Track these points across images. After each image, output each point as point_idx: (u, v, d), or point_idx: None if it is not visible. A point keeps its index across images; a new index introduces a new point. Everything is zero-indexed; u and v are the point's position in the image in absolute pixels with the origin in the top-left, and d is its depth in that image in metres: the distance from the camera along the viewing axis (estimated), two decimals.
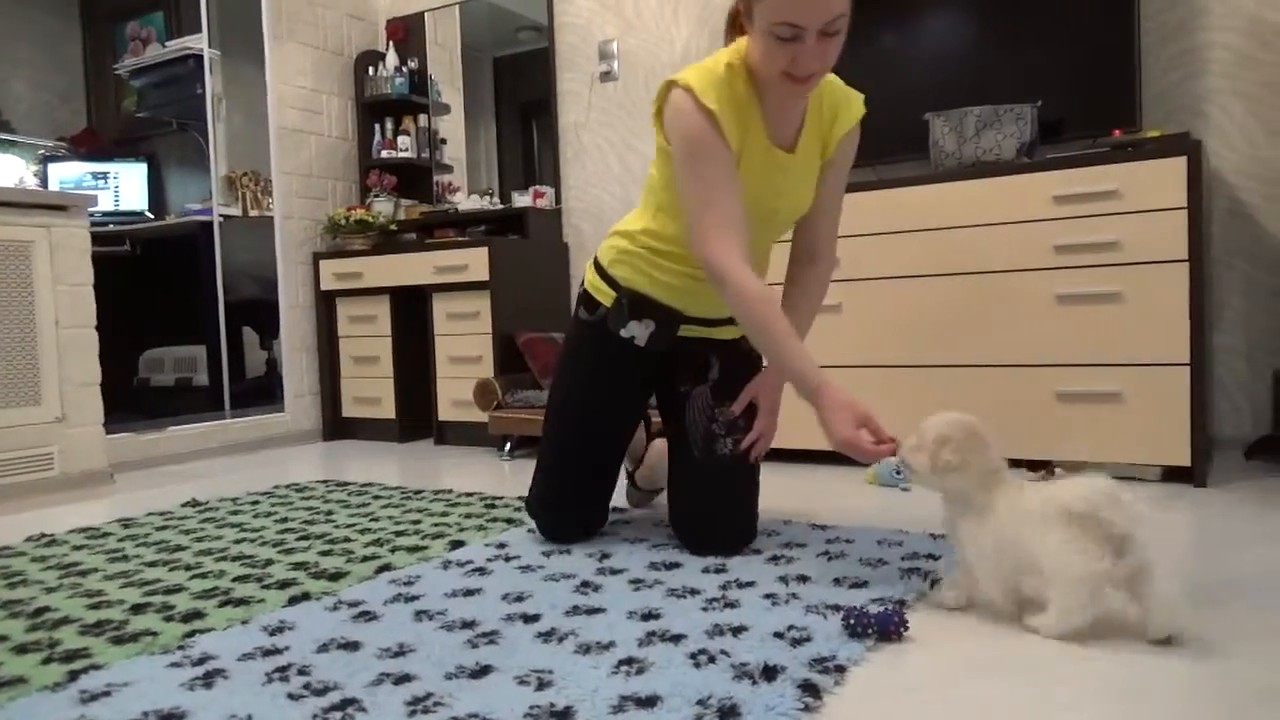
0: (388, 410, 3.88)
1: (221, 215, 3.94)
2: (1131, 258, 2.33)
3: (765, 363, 1.90)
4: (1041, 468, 2.21)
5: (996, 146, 2.61)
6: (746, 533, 1.84)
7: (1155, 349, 2.31)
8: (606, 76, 3.79)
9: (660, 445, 2.17)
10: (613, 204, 3.82)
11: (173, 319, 4.26)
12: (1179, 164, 2.25)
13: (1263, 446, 2.56)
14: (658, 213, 1.80)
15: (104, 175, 4.39)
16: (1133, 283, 2.33)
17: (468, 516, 2.23)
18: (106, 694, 1.19)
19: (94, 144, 4.55)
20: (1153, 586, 1.21)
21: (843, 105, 1.75)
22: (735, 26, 1.72)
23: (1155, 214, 2.29)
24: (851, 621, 1.31)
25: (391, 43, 4.29)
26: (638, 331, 1.83)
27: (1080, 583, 1.24)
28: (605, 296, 1.86)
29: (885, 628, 1.30)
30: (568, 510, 1.94)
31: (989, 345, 2.53)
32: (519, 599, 1.54)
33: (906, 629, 1.31)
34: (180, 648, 1.36)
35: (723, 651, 1.25)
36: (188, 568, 1.84)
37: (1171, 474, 2.36)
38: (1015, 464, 2.32)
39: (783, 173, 1.71)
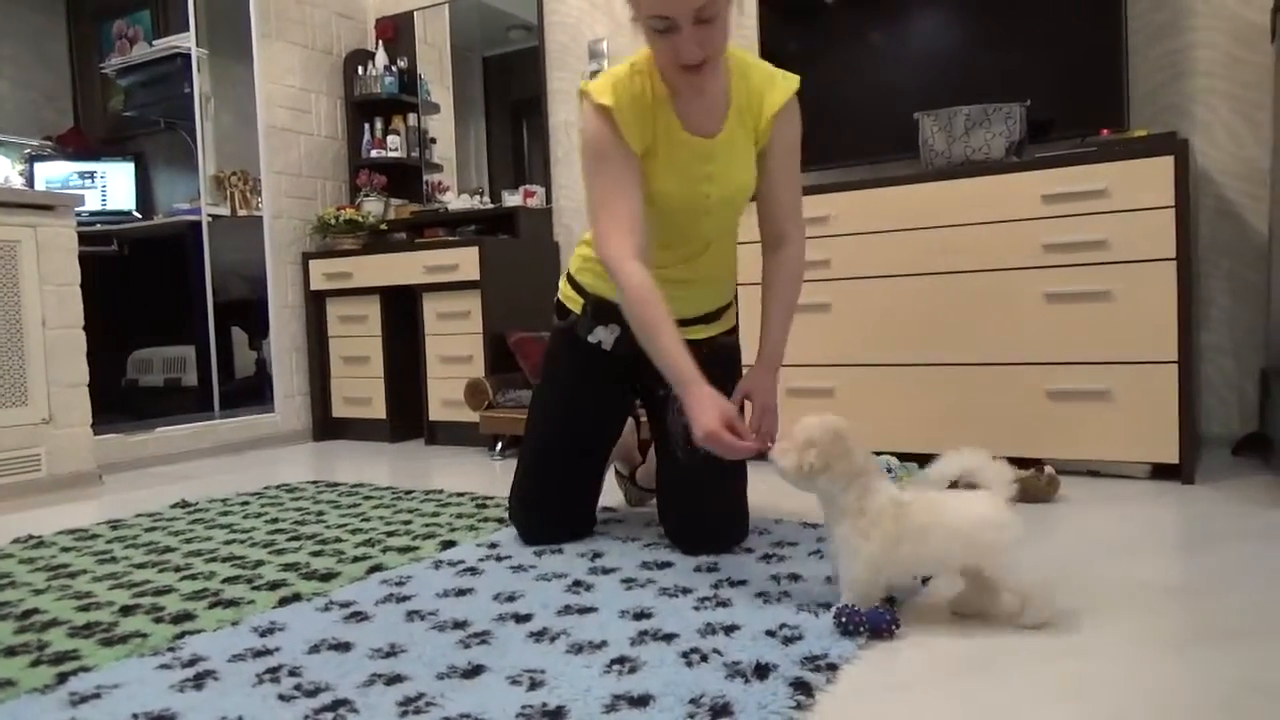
0: (378, 410, 3.87)
1: (210, 215, 3.92)
2: (1119, 256, 2.34)
3: (764, 357, 1.89)
4: (1031, 466, 2.22)
5: (986, 146, 2.62)
6: (737, 531, 1.85)
7: (1143, 347, 2.32)
8: (596, 75, 3.79)
9: None
10: None
11: (161, 319, 4.24)
12: (1166, 163, 2.27)
13: (1249, 443, 2.58)
14: None
15: (91, 175, 4.37)
16: (1121, 281, 2.34)
17: (459, 516, 2.22)
18: (96, 696, 1.18)
19: (80, 143, 4.52)
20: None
21: (769, 87, 1.74)
22: None
23: (1143, 213, 2.30)
24: (843, 620, 1.31)
25: (380, 42, 4.28)
26: (603, 336, 1.87)
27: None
28: (574, 303, 1.91)
29: (877, 626, 1.30)
30: (548, 510, 1.94)
31: (979, 344, 2.54)
32: (511, 599, 1.54)
33: (898, 627, 1.31)
34: (170, 649, 1.35)
35: (715, 650, 1.25)
36: (177, 569, 1.83)
37: (1160, 471, 2.37)
38: (1015, 462, 2.34)
39: (706, 159, 1.71)
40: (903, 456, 2.54)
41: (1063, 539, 1.85)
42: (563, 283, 1.98)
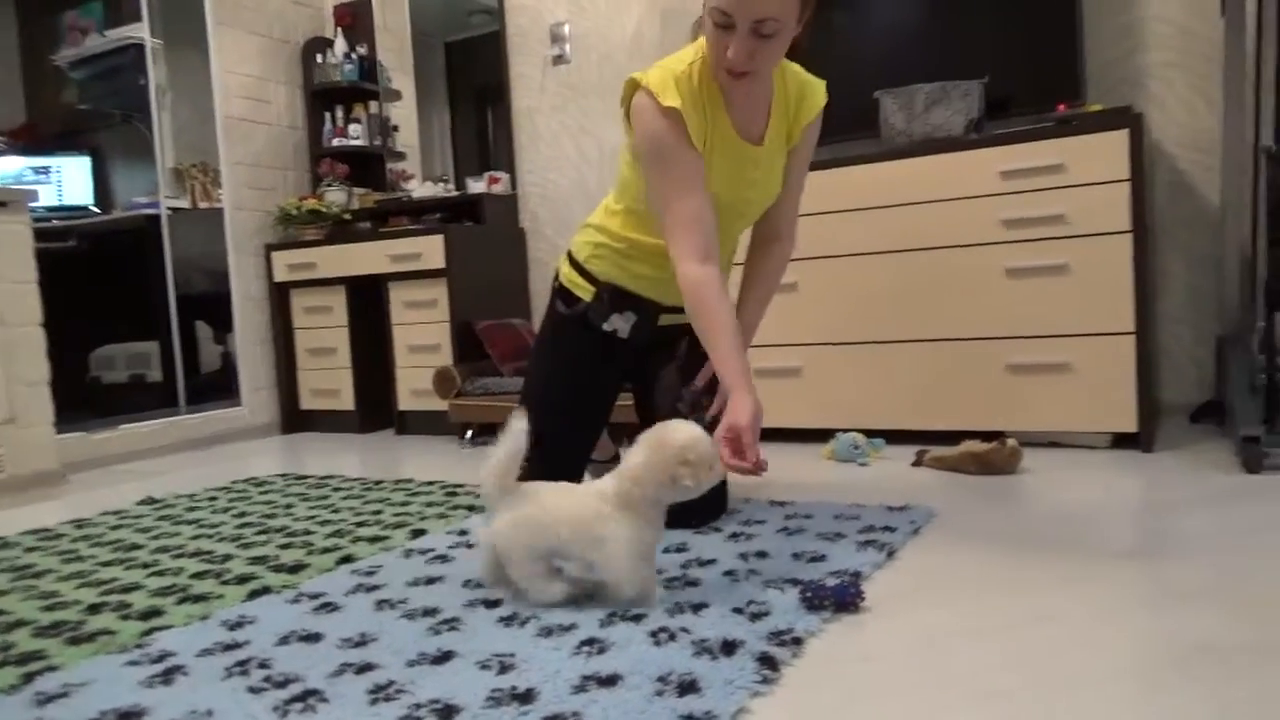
0: (346, 401, 3.85)
1: (170, 208, 3.87)
2: (1077, 230, 2.37)
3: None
4: (994, 439, 2.25)
5: (945, 123, 2.64)
6: (718, 502, 1.87)
7: (1102, 319, 2.36)
8: (559, 60, 3.77)
9: None
10: (569, 188, 3.80)
11: (123, 315, 4.18)
12: (1121, 137, 2.30)
13: (1206, 410, 2.64)
14: (629, 213, 1.82)
15: (45, 169, 4.28)
16: (1079, 254, 2.38)
17: (429, 505, 2.22)
18: (64, 695, 1.18)
19: (34, 137, 4.43)
20: None
21: (807, 94, 1.78)
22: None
23: (1099, 186, 2.34)
24: (809, 595, 1.33)
25: (339, 29, 4.23)
26: (620, 324, 1.87)
27: None
28: (584, 291, 1.89)
29: (842, 599, 1.32)
30: None
31: (942, 320, 2.57)
32: (480, 585, 1.54)
33: (863, 600, 1.33)
34: (138, 646, 1.35)
35: (683, 629, 1.27)
36: (145, 566, 1.82)
37: (1120, 440, 2.41)
38: (969, 435, 2.37)
39: (753, 165, 1.73)
40: (869, 433, 2.57)
41: (1025, 510, 1.88)
42: (567, 270, 1.94)
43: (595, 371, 1.93)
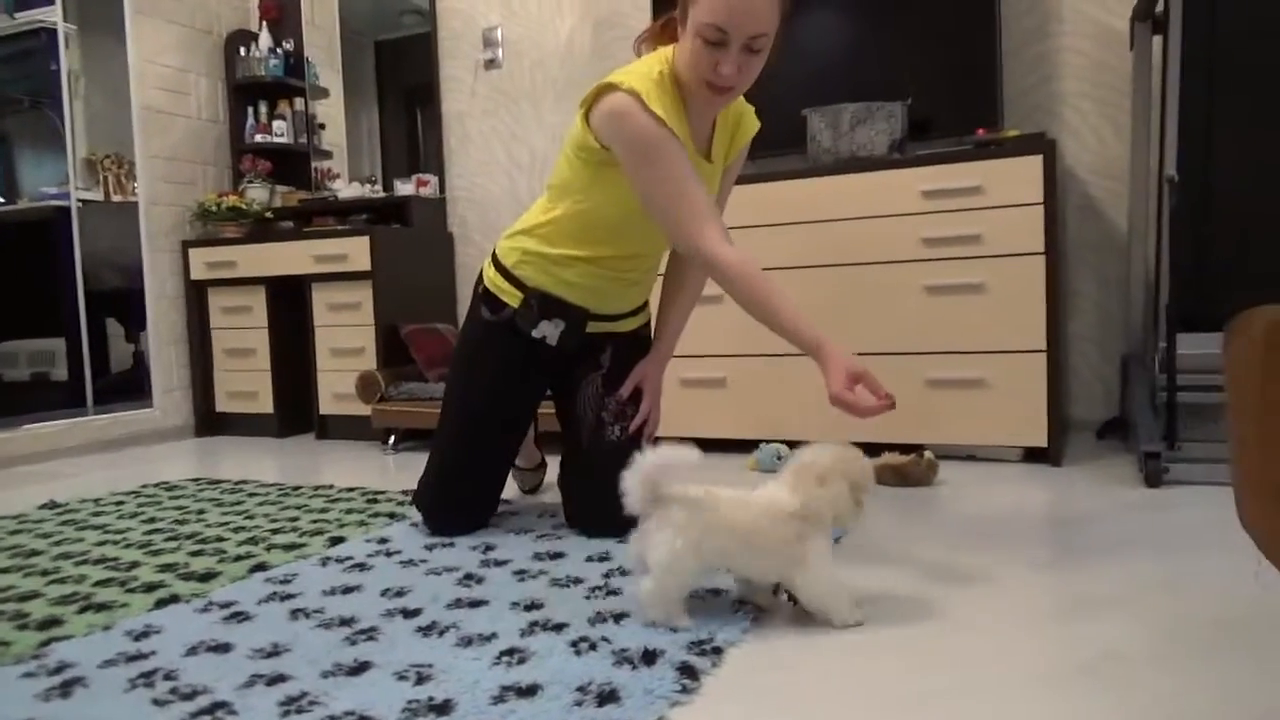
0: (265, 404, 3.74)
1: (81, 200, 3.72)
2: (993, 250, 2.45)
3: (653, 348, 2.00)
4: (912, 452, 2.30)
5: (870, 142, 2.70)
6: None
7: (1015, 337, 2.44)
8: (491, 64, 3.75)
9: None
10: (499, 194, 3.78)
11: (27, 310, 4.00)
12: (1035, 162, 2.39)
13: (1112, 427, 2.75)
14: (572, 217, 1.79)
15: None
16: (994, 274, 2.45)
17: (349, 512, 2.18)
18: None
19: None
20: None
21: (745, 116, 1.84)
22: (657, 35, 1.76)
23: (1014, 209, 2.42)
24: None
25: (264, 22, 4.13)
26: (549, 331, 1.84)
27: None
28: (511, 297, 1.86)
29: None
30: (463, 512, 1.94)
31: (864, 334, 2.62)
32: (400, 594, 1.52)
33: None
34: (35, 657, 1.29)
35: (604, 638, 1.26)
36: (44, 573, 1.74)
37: (1031, 454, 2.50)
38: (888, 448, 2.43)
39: (703, 179, 1.73)
40: (792, 444, 2.61)
41: (942, 521, 1.93)
42: (492, 275, 1.90)
43: (521, 378, 1.91)
